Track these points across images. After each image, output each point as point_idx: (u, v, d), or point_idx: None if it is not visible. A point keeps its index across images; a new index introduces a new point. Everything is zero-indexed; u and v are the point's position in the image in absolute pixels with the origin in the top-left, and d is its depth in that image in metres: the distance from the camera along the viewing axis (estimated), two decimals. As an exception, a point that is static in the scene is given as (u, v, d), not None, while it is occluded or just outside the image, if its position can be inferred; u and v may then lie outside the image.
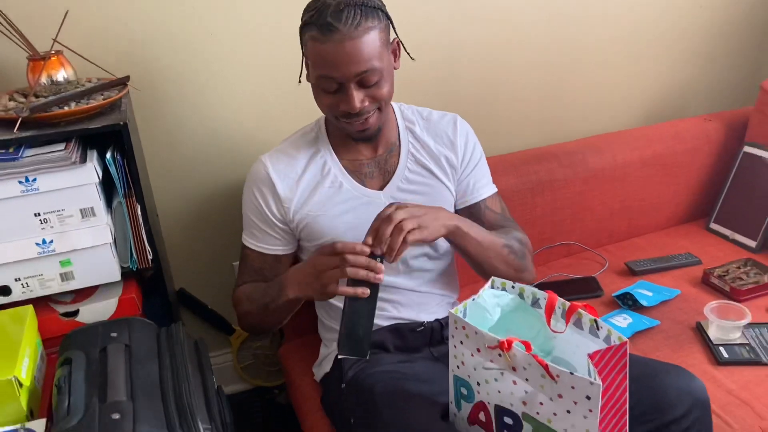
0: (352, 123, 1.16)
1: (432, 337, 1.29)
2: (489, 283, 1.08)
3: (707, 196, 1.89)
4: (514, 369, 0.94)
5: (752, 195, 1.75)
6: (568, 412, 0.89)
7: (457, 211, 1.35)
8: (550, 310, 1.02)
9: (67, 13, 1.30)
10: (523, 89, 1.87)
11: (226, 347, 1.87)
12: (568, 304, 1.01)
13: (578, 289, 1.59)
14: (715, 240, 1.80)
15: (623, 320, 1.42)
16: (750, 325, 1.39)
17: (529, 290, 1.06)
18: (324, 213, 1.24)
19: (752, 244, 1.72)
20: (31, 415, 1.07)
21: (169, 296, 1.46)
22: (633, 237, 1.85)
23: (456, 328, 1.00)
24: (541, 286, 1.60)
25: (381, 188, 1.27)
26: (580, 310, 0.99)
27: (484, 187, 1.35)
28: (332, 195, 1.24)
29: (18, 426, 1.02)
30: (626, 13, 1.91)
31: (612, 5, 1.87)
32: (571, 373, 0.86)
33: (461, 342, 1.00)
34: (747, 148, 1.79)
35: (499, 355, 0.94)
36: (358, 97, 1.11)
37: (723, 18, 2.05)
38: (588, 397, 0.86)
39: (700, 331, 1.40)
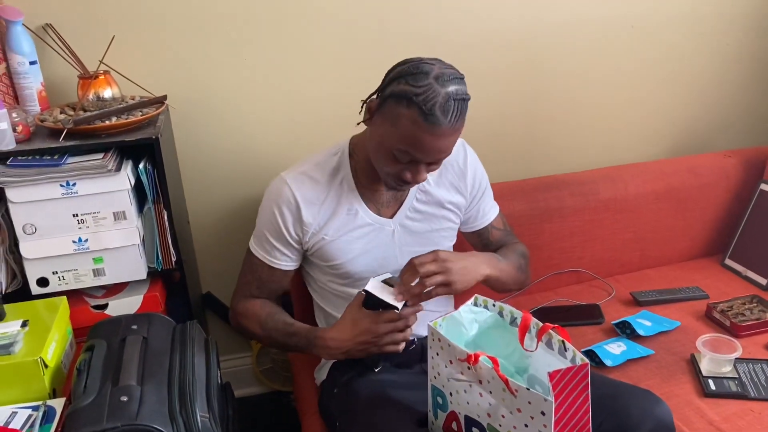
0: (398, 186, 1.23)
1: (423, 353, 1.35)
2: (472, 300, 1.15)
3: (724, 232, 1.89)
4: (480, 382, 1.00)
5: (767, 233, 1.74)
6: (526, 426, 0.95)
7: (465, 234, 1.45)
8: (523, 329, 1.07)
9: (113, 38, 1.46)
10: (540, 118, 1.93)
11: (246, 351, 1.98)
12: (540, 324, 1.06)
13: (580, 315, 1.63)
14: (728, 276, 1.80)
15: (617, 348, 1.45)
16: (744, 360, 1.41)
17: (508, 309, 1.12)
18: (338, 238, 1.30)
19: (763, 281, 1.71)
20: (54, 394, 1.19)
21: (191, 298, 1.58)
22: (645, 269, 1.87)
23: (433, 339, 1.07)
24: (544, 311, 1.68)
25: (391, 216, 1.34)
26: (550, 330, 1.04)
27: (490, 211, 1.45)
28: (348, 221, 1.30)
29: (40, 402, 1.14)
30: (650, 46, 1.94)
31: (635, 38, 1.92)
32: (528, 389, 0.93)
33: (437, 353, 1.07)
34: (764, 186, 1.79)
35: (468, 367, 1.01)
36: (424, 174, 1.19)
37: (747, 56, 2.05)
38: (543, 413, 0.92)
39: (693, 363, 1.42)
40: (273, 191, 1.31)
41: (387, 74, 1.19)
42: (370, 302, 1.20)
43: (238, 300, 1.40)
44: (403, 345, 1.22)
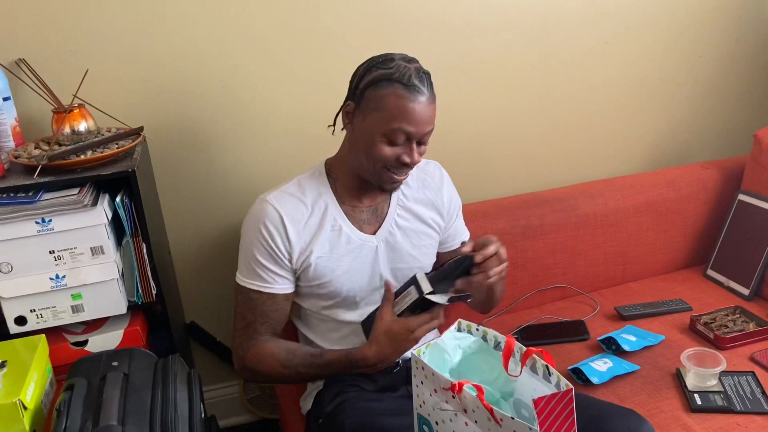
0: (399, 174, 1.25)
1: (408, 375, 1.34)
2: (455, 325, 1.14)
3: (705, 243, 1.91)
4: (465, 411, 0.99)
5: (746, 243, 1.76)
6: (512, 453, 0.94)
7: (440, 254, 1.46)
8: (507, 354, 1.06)
9: (87, 71, 1.45)
10: (518, 135, 1.94)
11: (233, 379, 1.95)
12: (524, 348, 1.06)
13: (565, 333, 1.63)
14: (711, 287, 1.81)
15: (603, 364, 1.45)
16: (729, 372, 1.41)
17: (492, 333, 1.11)
18: (324, 255, 1.29)
19: (745, 291, 1.73)
20: (34, 436, 1.18)
21: (174, 329, 1.56)
22: (629, 282, 1.88)
23: (417, 368, 1.06)
24: (530, 329, 1.68)
25: (374, 233, 1.34)
26: (534, 355, 1.04)
27: (464, 230, 1.50)
28: (332, 239, 1.30)
29: (19, 446, 1.12)
30: (624, 62, 1.96)
31: (609, 54, 1.94)
32: (513, 418, 0.92)
33: (421, 382, 1.06)
34: (742, 197, 1.81)
35: (453, 396, 1.00)
36: (417, 154, 1.24)
37: (721, 68, 2.09)
38: (528, 441, 0.91)
39: (678, 377, 1.43)
40: (255, 213, 1.29)
41: (352, 79, 1.26)
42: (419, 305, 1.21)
43: (245, 348, 1.30)
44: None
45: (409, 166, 1.24)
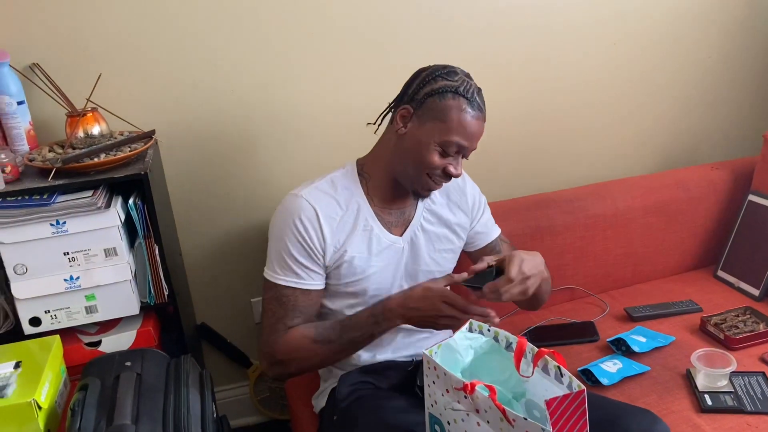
0: (438, 183, 1.29)
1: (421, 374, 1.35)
2: (467, 325, 1.15)
3: (715, 244, 1.91)
4: (477, 411, 1.00)
5: (757, 244, 1.76)
6: (525, 453, 0.94)
7: (472, 253, 1.49)
8: (519, 355, 1.07)
9: (100, 76, 1.47)
10: (527, 136, 1.94)
11: (243, 380, 1.97)
12: (536, 349, 1.06)
13: (575, 334, 1.63)
14: (721, 288, 1.81)
15: (613, 365, 1.45)
16: (739, 373, 1.41)
17: (503, 334, 1.12)
18: (358, 255, 1.30)
19: (755, 292, 1.72)
20: (49, 435, 1.19)
21: (185, 330, 1.57)
22: (638, 283, 1.88)
23: (429, 368, 1.07)
24: (540, 330, 1.68)
25: (400, 235, 1.36)
26: (546, 356, 1.04)
27: (494, 226, 1.51)
28: (365, 238, 1.31)
29: (35, 445, 1.13)
30: (632, 61, 1.97)
31: (617, 53, 1.94)
32: (525, 419, 0.92)
33: (433, 382, 1.07)
34: (752, 197, 1.80)
35: (465, 396, 1.01)
36: (461, 166, 1.28)
37: (730, 68, 2.08)
38: (541, 441, 0.92)
39: (689, 378, 1.43)
40: (289, 208, 1.28)
41: (410, 83, 1.27)
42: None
43: (276, 338, 1.28)
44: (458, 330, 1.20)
45: (451, 177, 1.27)
